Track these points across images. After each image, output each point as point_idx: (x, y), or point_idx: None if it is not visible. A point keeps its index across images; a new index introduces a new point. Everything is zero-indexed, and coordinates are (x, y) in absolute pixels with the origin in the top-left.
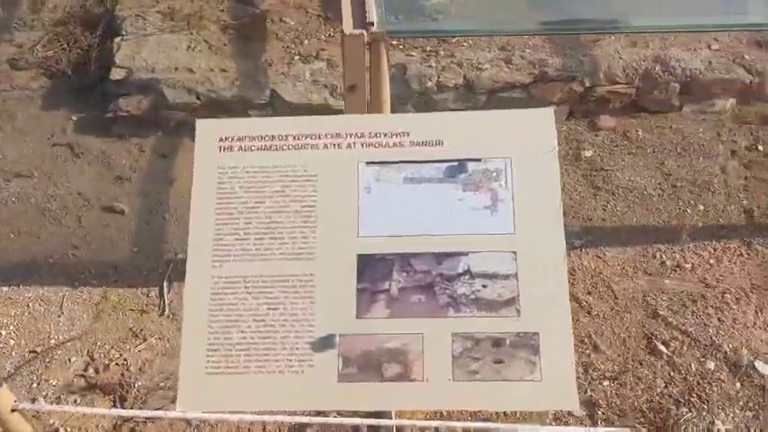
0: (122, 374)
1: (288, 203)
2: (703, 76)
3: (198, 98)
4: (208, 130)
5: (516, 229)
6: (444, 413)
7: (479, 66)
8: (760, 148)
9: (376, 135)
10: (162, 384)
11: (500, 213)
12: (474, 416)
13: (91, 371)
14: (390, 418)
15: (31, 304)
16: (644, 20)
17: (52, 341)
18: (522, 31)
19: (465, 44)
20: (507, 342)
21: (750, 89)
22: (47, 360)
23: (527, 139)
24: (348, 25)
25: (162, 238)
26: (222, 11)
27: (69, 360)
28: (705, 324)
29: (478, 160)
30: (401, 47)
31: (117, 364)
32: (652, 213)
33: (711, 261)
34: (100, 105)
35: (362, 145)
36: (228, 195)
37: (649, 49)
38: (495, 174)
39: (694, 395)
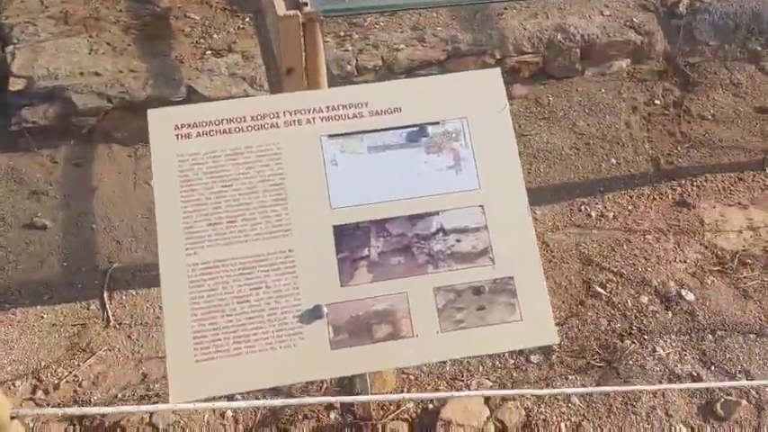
0: (75, 391)
1: (255, 184)
2: (600, 40)
3: (110, 101)
4: (161, 118)
5: (481, 185)
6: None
7: (395, 46)
8: (656, 102)
9: (334, 108)
10: (120, 395)
11: (464, 171)
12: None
13: (40, 393)
14: (366, 393)
15: None
16: None
17: None
18: (452, 3)
19: (377, 26)
20: (486, 289)
21: (641, 49)
22: None
23: (480, 99)
24: (281, 8)
25: (92, 248)
26: (120, 11)
27: (14, 384)
28: (634, 264)
29: (437, 123)
30: None
31: (67, 381)
32: (571, 171)
33: (629, 207)
34: None
35: (322, 119)
36: (192, 183)
37: (549, 19)
38: (454, 134)
39: (634, 328)
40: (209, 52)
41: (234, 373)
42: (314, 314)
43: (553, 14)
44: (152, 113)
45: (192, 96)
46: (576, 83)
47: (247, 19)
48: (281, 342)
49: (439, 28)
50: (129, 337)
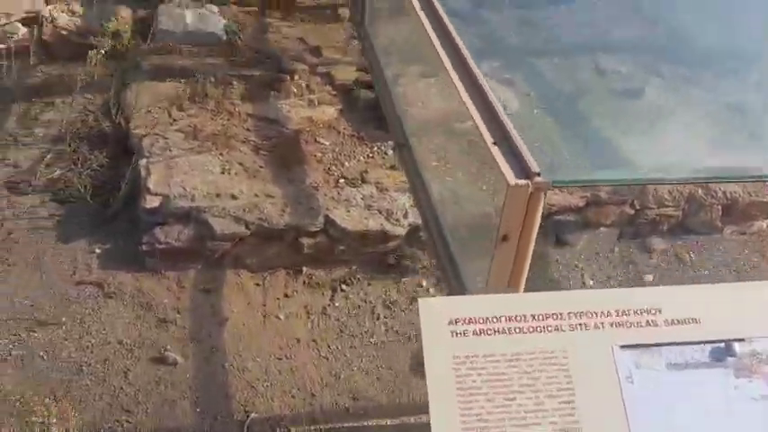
0: None
1: (542, 400)
2: (742, 199)
3: (247, 227)
4: (434, 310)
5: None
6: None
7: None
8: None
9: (625, 313)
10: None
11: None
12: None
13: None
14: None
15: None
16: None
17: None
18: (680, 180)
19: None
20: None
21: None
22: None
23: None
24: (511, 177)
25: (226, 393)
26: (248, 130)
27: None
28: None
29: (742, 340)
30: None
31: None
32: None
33: None
34: (126, 236)
35: (612, 325)
36: (472, 392)
37: None
38: (765, 356)
39: None
40: (342, 180)
41: None
42: None
43: None
44: (424, 303)
45: (329, 227)
46: (715, 240)
47: (375, 148)
48: None
49: None
50: None
